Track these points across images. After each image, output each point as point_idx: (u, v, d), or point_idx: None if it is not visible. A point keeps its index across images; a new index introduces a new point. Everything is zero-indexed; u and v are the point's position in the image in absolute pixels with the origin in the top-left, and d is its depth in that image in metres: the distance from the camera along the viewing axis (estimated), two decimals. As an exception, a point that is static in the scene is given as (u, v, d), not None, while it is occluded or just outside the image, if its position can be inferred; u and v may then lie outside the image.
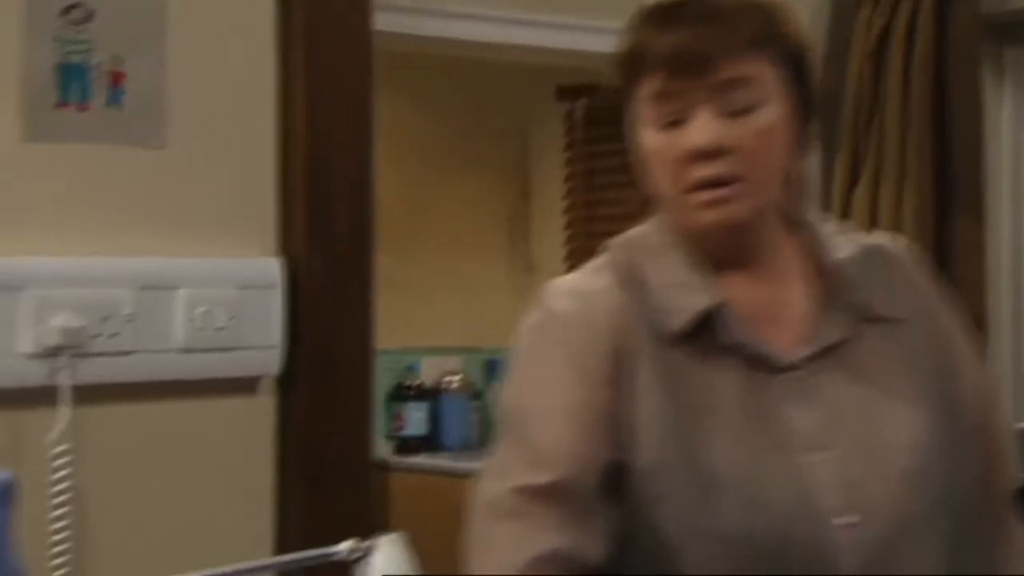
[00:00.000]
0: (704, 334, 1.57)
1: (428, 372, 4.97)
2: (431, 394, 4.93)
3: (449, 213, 5.01)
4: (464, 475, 4.67)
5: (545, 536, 1.50)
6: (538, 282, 5.52)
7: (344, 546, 2.28)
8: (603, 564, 1.51)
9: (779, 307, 1.61)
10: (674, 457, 1.52)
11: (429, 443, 4.89)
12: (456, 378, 4.99)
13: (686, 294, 1.58)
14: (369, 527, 2.54)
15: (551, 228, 4.99)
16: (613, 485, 1.53)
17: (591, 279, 1.64)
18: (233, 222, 2.48)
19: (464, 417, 4.99)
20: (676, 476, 1.52)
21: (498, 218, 5.12)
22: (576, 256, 4.82)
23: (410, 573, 2.25)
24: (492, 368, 5.09)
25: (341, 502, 2.56)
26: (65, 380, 2.24)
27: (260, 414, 2.52)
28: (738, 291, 1.60)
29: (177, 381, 2.41)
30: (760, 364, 1.56)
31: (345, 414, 2.59)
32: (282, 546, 2.49)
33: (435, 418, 4.94)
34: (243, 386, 2.50)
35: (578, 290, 1.63)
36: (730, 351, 1.56)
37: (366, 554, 2.25)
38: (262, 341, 2.48)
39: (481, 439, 5.03)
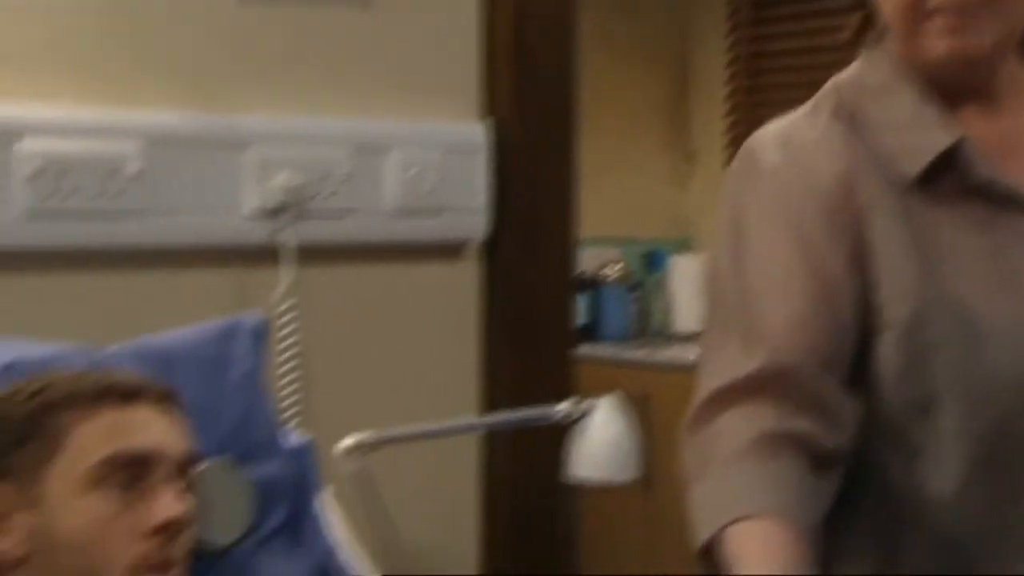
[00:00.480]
0: (943, 175, 1.44)
1: (588, 262, 4.97)
2: (591, 284, 4.93)
3: (608, 101, 4.98)
4: (623, 365, 4.68)
5: (766, 419, 1.34)
6: (699, 171, 5.45)
7: (562, 407, 2.31)
8: (837, 450, 1.37)
9: (1018, 141, 1.50)
10: (930, 306, 1.41)
11: (589, 333, 4.89)
12: (616, 268, 4.98)
13: (920, 134, 1.45)
14: (571, 392, 2.56)
15: (712, 116, 4.94)
16: (844, 360, 1.40)
17: (804, 126, 1.49)
18: (438, 84, 2.47)
19: (624, 308, 4.98)
20: (936, 325, 1.41)
21: (658, 106, 5.07)
22: (738, 143, 4.77)
23: (629, 434, 2.27)
24: (651, 259, 5.07)
25: (544, 366, 2.57)
26: (288, 239, 2.26)
27: (465, 278, 2.53)
28: (974, 126, 1.48)
29: (388, 244, 2.42)
30: (1007, 203, 1.45)
31: (548, 278, 2.59)
32: (487, 406, 2.52)
33: (595, 308, 4.94)
34: (450, 251, 2.52)
35: (791, 140, 1.47)
36: (972, 191, 1.44)
37: (584, 415, 2.28)
38: (468, 205, 2.48)
39: (640, 330, 5.03)
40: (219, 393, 1.74)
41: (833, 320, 1.40)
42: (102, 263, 2.15)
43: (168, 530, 1.45)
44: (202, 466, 1.63)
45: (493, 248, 2.54)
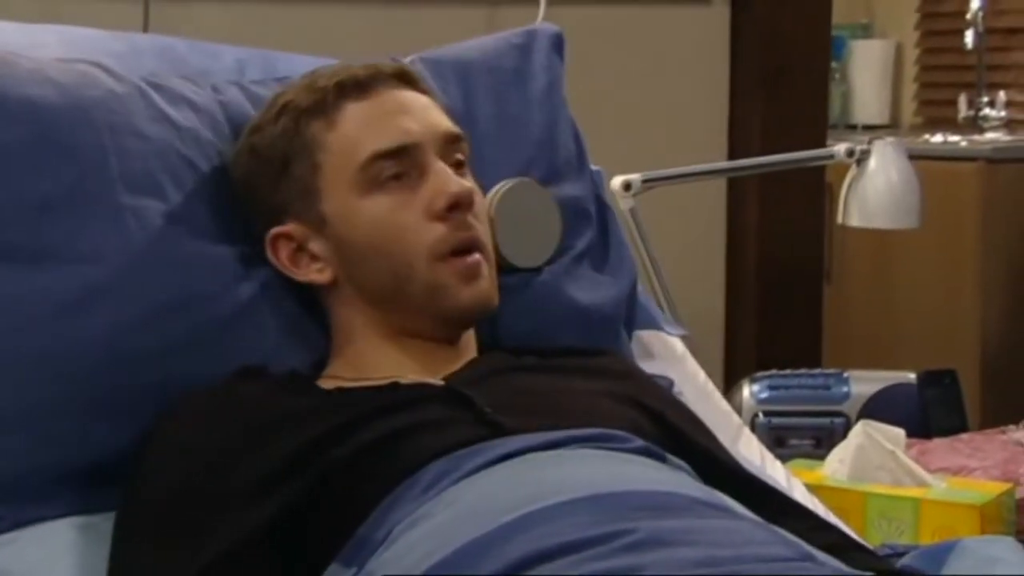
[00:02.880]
0: None
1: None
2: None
3: None
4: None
5: None
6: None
7: (841, 148, 2.19)
8: None
9: None
10: None
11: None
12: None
13: None
14: (823, 142, 2.45)
15: None
16: None
17: None
18: None
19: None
20: None
21: None
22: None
23: (910, 178, 2.15)
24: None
25: (796, 112, 2.46)
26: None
27: (715, 22, 2.42)
28: None
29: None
30: None
31: (802, 24, 2.46)
32: (736, 151, 2.43)
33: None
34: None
35: None
36: None
37: (863, 157, 2.16)
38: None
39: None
40: (524, 105, 1.62)
41: None
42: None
43: (457, 207, 1.35)
44: (509, 185, 1.53)
45: (742, -6, 2.42)
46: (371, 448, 1.20)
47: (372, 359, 1.36)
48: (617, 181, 1.98)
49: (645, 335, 1.72)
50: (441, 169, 1.36)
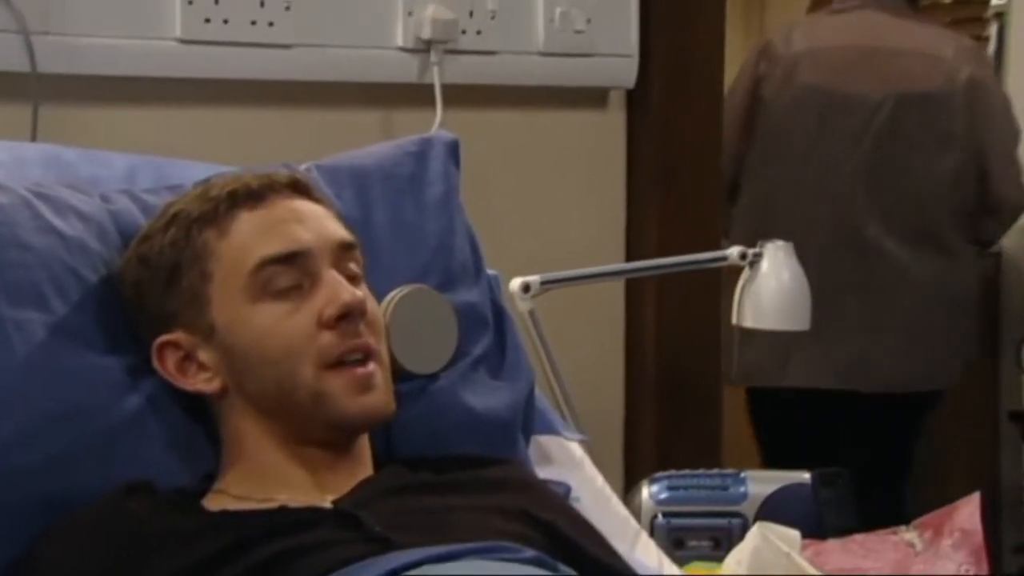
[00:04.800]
0: None
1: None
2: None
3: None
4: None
5: None
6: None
7: (734, 251, 2.21)
8: None
9: None
10: None
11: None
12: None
13: None
14: (717, 244, 2.47)
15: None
16: None
17: None
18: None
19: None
20: None
21: None
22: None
23: (795, 280, 2.18)
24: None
25: (691, 214, 2.48)
26: (437, 77, 2.15)
27: (611, 127, 2.43)
28: None
29: (536, 87, 2.32)
30: None
31: (696, 128, 2.49)
32: (633, 251, 2.44)
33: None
34: (596, 97, 2.41)
35: None
36: None
37: (755, 260, 2.18)
38: (618, 50, 2.37)
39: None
40: (419, 212, 1.63)
41: None
42: (251, 96, 2.05)
43: (348, 316, 1.35)
44: (404, 292, 1.53)
45: (640, 97, 2.43)
46: (258, 570, 1.18)
47: (263, 471, 1.35)
48: (516, 283, 1.98)
49: (543, 440, 1.72)
50: (333, 278, 1.37)
